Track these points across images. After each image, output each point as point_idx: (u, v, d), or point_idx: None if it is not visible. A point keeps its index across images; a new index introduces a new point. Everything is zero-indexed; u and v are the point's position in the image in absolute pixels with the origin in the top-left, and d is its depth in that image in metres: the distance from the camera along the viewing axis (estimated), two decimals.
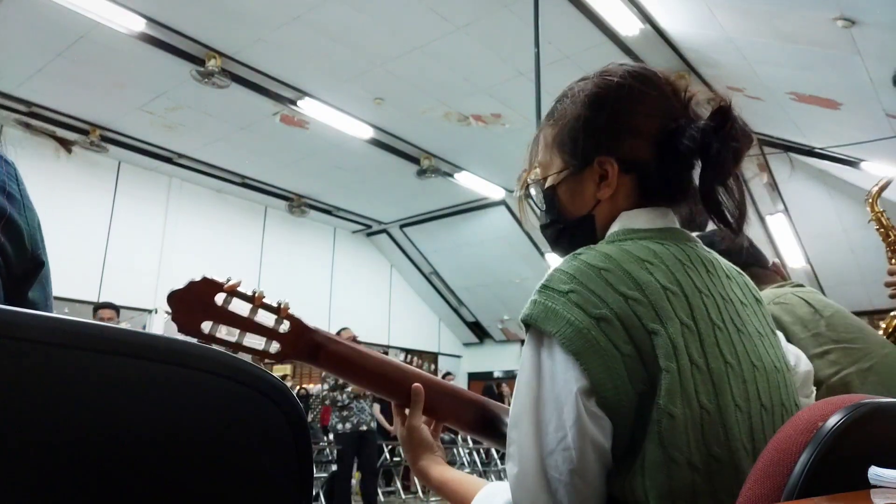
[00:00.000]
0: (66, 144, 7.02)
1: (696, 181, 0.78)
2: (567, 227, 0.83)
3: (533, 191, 0.86)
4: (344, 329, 5.62)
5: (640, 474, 0.64)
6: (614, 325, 0.66)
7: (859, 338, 1.43)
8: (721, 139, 0.73)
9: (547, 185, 0.84)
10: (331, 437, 8.01)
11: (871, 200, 1.80)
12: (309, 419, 6.81)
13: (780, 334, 0.92)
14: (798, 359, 0.94)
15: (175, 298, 0.79)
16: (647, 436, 0.65)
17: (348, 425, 5.30)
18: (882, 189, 1.81)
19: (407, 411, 0.94)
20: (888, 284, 1.68)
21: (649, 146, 0.78)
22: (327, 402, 5.39)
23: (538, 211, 0.87)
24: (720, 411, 0.66)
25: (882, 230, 1.77)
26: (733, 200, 0.75)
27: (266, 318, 0.84)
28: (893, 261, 1.73)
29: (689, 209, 0.83)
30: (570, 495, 0.66)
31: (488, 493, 0.83)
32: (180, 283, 0.79)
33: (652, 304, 0.67)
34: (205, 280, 0.80)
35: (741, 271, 0.84)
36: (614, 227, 0.78)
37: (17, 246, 0.78)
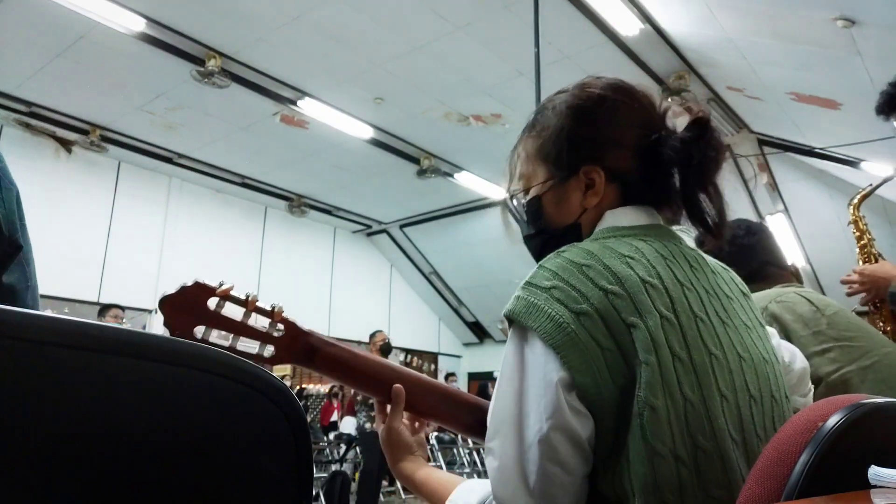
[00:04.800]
0: (66, 144, 7.02)
1: (677, 188, 0.81)
2: (553, 236, 0.84)
3: (515, 202, 0.88)
4: (378, 332, 5.63)
5: (626, 468, 0.65)
6: (594, 319, 0.66)
7: (860, 336, 1.43)
8: (700, 148, 0.76)
9: (531, 195, 0.85)
10: (331, 436, 8.03)
11: (854, 204, 1.97)
12: (309, 419, 6.80)
13: (772, 330, 0.92)
14: (794, 356, 0.95)
15: (167, 303, 0.78)
16: (630, 429, 0.65)
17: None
18: (865, 196, 1.97)
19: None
20: (844, 282, 1.78)
21: (631, 156, 0.81)
22: (359, 398, 5.38)
23: (521, 222, 0.88)
24: (704, 402, 0.67)
25: (857, 234, 1.94)
26: (715, 207, 0.78)
27: (260, 322, 0.84)
28: (861, 262, 1.88)
29: (667, 216, 0.85)
30: (549, 488, 0.66)
31: (464, 489, 0.83)
32: (172, 288, 0.79)
33: (631, 298, 0.68)
34: (197, 284, 0.80)
35: (727, 267, 0.86)
36: (600, 226, 0.80)
37: None
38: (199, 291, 0.80)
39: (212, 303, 0.81)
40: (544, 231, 0.85)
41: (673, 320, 0.68)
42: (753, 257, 1.66)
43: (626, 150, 0.81)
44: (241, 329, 0.82)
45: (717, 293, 0.77)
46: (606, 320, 0.67)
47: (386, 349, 5.48)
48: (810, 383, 0.98)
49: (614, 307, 0.67)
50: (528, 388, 0.68)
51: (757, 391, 0.72)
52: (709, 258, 0.84)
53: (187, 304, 0.79)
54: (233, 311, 0.82)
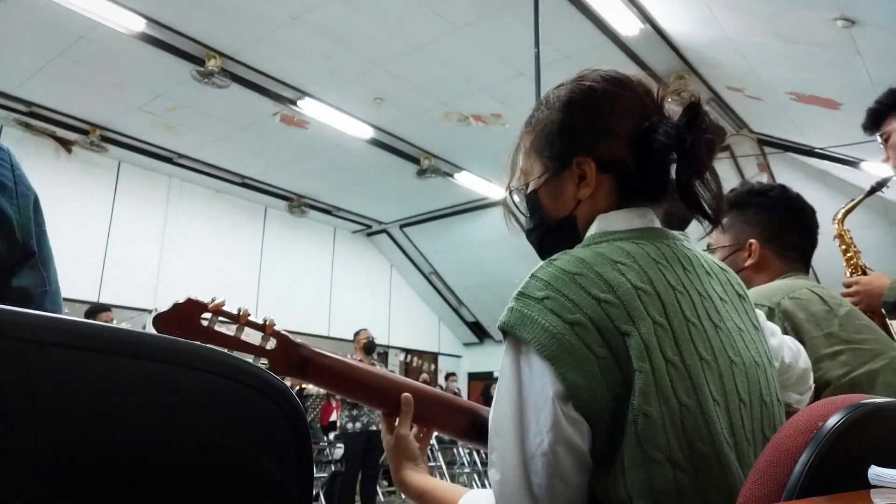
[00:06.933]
0: (66, 144, 7.02)
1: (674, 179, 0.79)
2: (550, 229, 0.85)
3: (516, 197, 0.88)
4: (363, 330, 5.61)
5: (622, 475, 0.65)
6: (588, 328, 0.66)
7: (871, 338, 1.42)
8: (694, 133, 0.75)
9: (529, 189, 0.86)
10: (331, 436, 8.03)
11: (838, 219, 1.97)
12: (308, 419, 6.79)
13: (774, 327, 0.91)
14: (796, 355, 0.94)
15: (161, 321, 0.80)
16: (625, 437, 0.65)
17: (358, 425, 5.21)
18: (849, 211, 1.98)
19: (396, 421, 0.95)
20: (843, 297, 1.76)
21: (626, 146, 0.80)
22: (338, 398, 5.36)
23: (522, 216, 0.89)
24: (700, 407, 0.67)
25: (843, 247, 1.96)
26: (710, 192, 0.77)
27: (253, 336, 0.85)
28: (849, 274, 1.90)
29: (667, 206, 0.84)
30: (552, 499, 0.66)
31: (468, 501, 0.83)
32: (165, 306, 0.80)
33: (624, 305, 0.68)
34: (189, 301, 0.81)
35: (725, 267, 0.85)
36: (591, 230, 0.80)
37: (7, 239, 0.77)
38: (191, 308, 0.81)
39: (205, 318, 0.82)
40: (542, 225, 0.86)
41: (665, 326, 0.69)
42: (794, 234, 1.56)
43: (619, 140, 0.80)
44: (234, 343, 0.84)
45: (710, 295, 0.76)
46: (600, 329, 0.67)
47: (370, 347, 5.44)
48: (811, 382, 0.97)
49: (608, 315, 0.67)
50: (527, 400, 0.68)
51: (747, 395, 0.72)
52: (705, 258, 0.83)
53: (181, 321, 0.81)
54: (226, 326, 0.83)
